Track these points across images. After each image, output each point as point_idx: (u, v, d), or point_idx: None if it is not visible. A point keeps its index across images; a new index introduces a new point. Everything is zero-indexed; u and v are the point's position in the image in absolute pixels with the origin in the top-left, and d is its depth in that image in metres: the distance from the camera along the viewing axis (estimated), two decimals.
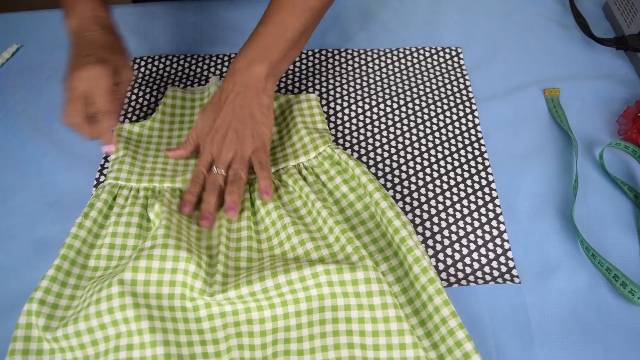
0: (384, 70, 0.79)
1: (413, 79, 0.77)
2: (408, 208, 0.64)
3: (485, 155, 0.68)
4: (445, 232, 0.62)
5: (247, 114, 0.62)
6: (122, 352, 0.51)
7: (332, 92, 0.76)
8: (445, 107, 0.74)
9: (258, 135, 0.62)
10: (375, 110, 0.74)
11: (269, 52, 0.62)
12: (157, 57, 0.82)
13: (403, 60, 0.80)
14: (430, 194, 0.65)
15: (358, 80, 0.77)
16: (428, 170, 0.67)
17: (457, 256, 0.60)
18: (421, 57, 0.80)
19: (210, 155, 0.63)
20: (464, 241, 0.61)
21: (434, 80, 0.77)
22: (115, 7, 0.90)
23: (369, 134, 0.71)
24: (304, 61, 0.80)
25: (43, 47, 0.85)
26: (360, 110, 0.74)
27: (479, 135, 0.70)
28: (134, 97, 0.77)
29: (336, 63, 0.80)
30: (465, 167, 0.67)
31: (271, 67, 0.63)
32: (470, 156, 0.68)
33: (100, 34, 0.63)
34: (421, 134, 0.71)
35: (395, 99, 0.75)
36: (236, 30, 0.86)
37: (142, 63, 0.81)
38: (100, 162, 0.70)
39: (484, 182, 0.66)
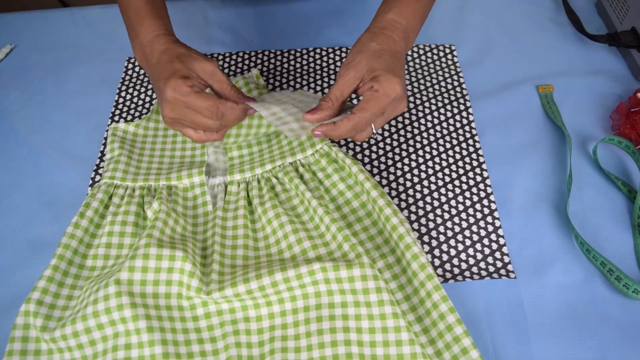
0: None
1: (407, 77, 0.77)
2: (404, 205, 0.64)
3: (480, 152, 0.69)
4: (441, 229, 0.62)
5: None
6: (120, 352, 0.51)
7: (327, 90, 0.76)
8: (440, 104, 0.74)
9: None
10: None
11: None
12: None
13: None
14: (426, 191, 0.65)
15: None
16: (423, 167, 0.67)
17: (453, 252, 0.60)
18: (415, 55, 0.80)
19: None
20: (460, 237, 0.61)
21: (427, 78, 0.77)
22: (108, 7, 0.90)
23: None
24: (299, 60, 0.81)
25: (37, 48, 0.85)
26: None
27: (474, 132, 0.71)
28: (128, 96, 0.77)
29: (331, 61, 0.80)
30: (460, 163, 0.68)
31: None
32: (464, 153, 0.69)
33: (160, 54, 0.56)
34: (416, 131, 0.71)
35: None
36: (226, 30, 0.86)
37: (136, 63, 0.81)
38: (96, 161, 0.70)
39: (478, 179, 0.66)
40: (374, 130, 0.54)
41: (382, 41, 0.55)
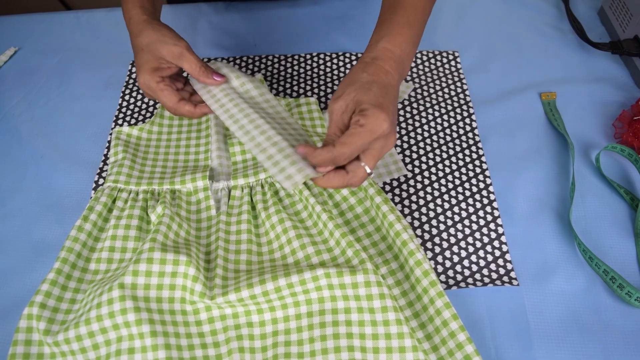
0: None
1: (410, 83, 0.78)
2: (407, 211, 0.64)
3: (483, 159, 0.69)
4: (444, 235, 0.62)
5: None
6: (124, 356, 0.51)
7: (330, 96, 0.77)
8: (443, 110, 0.74)
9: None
10: None
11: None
12: None
13: None
14: (429, 197, 0.65)
15: None
16: (426, 174, 0.67)
17: (456, 258, 0.60)
18: (418, 61, 0.81)
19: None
20: (463, 244, 0.61)
21: (431, 84, 0.78)
22: (112, 10, 0.91)
23: None
24: (303, 65, 0.81)
25: (41, 50, 0.85)
26: None
27: (477, 138, 0.71)
28: (132, 100, 0.77)
29: (334, 67, 0.80)
30: (463, 170, 0.68)
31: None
32: (468, 159, 0.69)
33: (134, 38, 0.61)
34: (419, 137, 0.71)
35: None
36: (230, 34, 0.87)
37: None
38: (99, 164, 0.70)
39: (481, 185, 0.66)
40: (368, 170, 0.51)
41: (373, 72, 0.53)
